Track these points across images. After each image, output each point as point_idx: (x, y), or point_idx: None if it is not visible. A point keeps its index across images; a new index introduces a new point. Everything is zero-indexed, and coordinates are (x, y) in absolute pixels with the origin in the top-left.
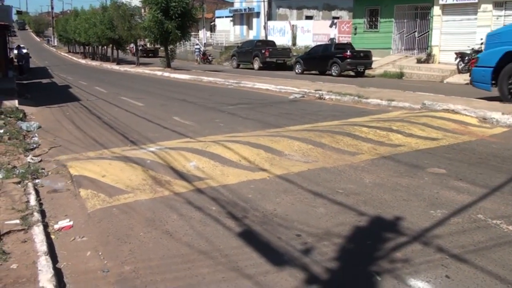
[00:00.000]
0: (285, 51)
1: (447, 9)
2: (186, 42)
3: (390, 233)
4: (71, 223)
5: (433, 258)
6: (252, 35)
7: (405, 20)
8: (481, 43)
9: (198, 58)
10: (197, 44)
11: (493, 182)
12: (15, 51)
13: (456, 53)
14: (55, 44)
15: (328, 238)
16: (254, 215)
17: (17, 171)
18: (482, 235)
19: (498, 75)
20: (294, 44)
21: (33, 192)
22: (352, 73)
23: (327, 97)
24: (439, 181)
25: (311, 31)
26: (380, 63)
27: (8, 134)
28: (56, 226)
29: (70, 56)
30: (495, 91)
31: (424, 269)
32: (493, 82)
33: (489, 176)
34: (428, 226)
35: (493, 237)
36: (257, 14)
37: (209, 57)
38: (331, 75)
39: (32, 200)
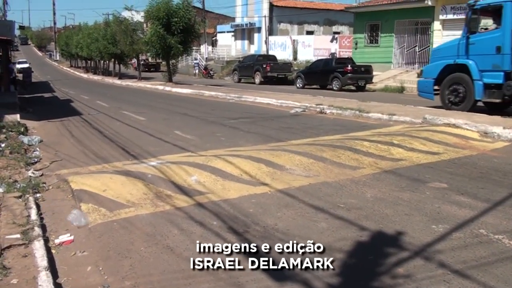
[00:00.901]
0: (286, 65)
1: (447, 24)
2: (188, 57)
3: (392, 248)
4: (72, 237)
5: (435, 274)
6: (253, 49)
7: (406, 35)
8: None
9: (197, 72)
10: (195, 59)
11: (495, 197)
12: (18, 66)
13: None
14: (57, 58)
15: (330, 253)
16: (255, 229)
17: (18, 185)
18: (484, 250)
19: (440, 86)
20: (295, 58)
21: (34, 206)
22: (353, 88)
23: (328, 111)
24: (441, 196)
25: (312, 46)
26: (380, 78)
27: (9, 148)
28: (57, 241)
29: (72, 71)
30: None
31: (426, 284)
32: (436, 91)
33: (491, 190)
34: (430, 241)
35: (495, 252)
36: (258, 29)
37: (211, 72)
38: (332, 89)
39: (33, 215)
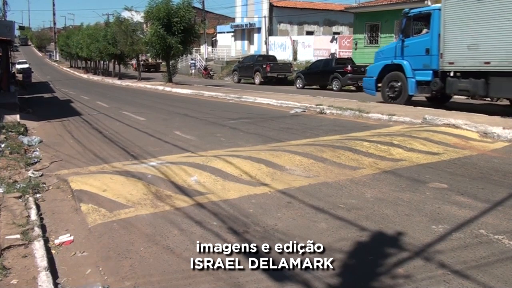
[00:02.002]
0: (286, 66)
1: None
2: (188, 57)
3: (392, 248)
4: (72, 238)
5: (435, 274)
6: (253, 50)
7: None
8: None
9: (193, 72)
10: (192, 59)
11: (495, 197)
12: (18, 66)
13: None
14: (57, 59)
15: (330, 253)
16: (255, 230)
17: (18, 185)
18: (484, 251)
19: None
20: (295, 59)
21: (34, 206)
22: (353, 88)
23: (328, 111)
24: (441, 196)
25: (312, 46)
26: None
27: (9, 148)
28: (57, 241)
29: (72, 71)
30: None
31: (426, 285)
32: (378, 88)
33: (491, 191)
34: (430, 241)
35: (495, 252)
36: (258, 30)
37: (211, 72)
38: (332, 89)
39: (33, 215)
